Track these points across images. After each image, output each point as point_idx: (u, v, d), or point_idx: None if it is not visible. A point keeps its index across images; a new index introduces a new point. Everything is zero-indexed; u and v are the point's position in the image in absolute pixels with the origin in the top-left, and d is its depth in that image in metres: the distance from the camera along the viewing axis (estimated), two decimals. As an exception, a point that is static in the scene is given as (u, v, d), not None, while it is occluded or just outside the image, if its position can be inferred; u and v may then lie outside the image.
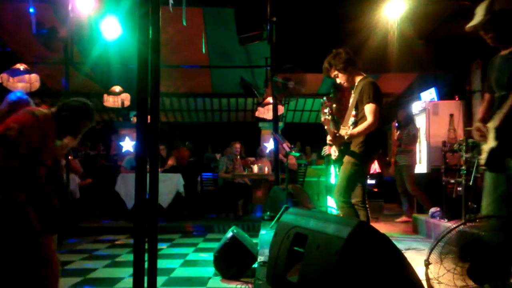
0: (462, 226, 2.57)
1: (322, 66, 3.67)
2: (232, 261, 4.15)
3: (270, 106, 8.17)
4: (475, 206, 4.67)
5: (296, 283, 2.24)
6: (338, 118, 4.18)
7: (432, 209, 5.44)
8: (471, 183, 4.64)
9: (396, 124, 7.31)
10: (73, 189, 7.53)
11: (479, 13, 2.50)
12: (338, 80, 3.64)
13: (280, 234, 2.58)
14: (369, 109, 3.38)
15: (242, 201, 8.38)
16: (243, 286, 3.78)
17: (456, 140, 6.26)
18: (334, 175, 5.60)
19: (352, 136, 3.42)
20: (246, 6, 6.43)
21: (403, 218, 6.77)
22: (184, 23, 4.48)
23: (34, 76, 7.37)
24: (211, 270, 4.45)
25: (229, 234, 4.25)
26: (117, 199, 7.56)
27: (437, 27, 6.36)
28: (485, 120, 2.56)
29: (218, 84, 11.20)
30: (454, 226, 2.58)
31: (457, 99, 7.31)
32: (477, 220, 2.64)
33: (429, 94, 7.83)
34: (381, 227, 5.96)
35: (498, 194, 2.47)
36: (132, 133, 11.49)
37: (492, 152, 2.39)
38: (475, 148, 4.76)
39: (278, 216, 5.38)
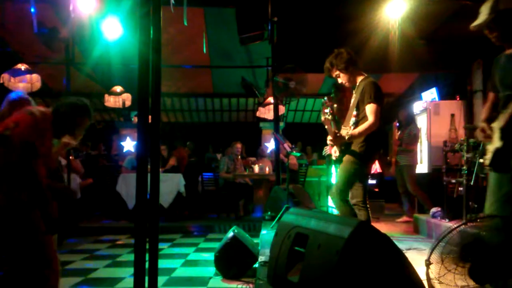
0: (463, 226, 2.56)
1: (323, 66, 3.67)
2: (233, 261, 4.15)
3: (271, 106, 8.17)
4: (476, 206, 4.67)
5: (297, 283, 2.25)
6: (339, 118, 4.18)
7: (433, 209, 5.44)
8: (472, 183, 4.63)
9: (397, 124, 7.31)
10: (74, 189, 7.54)
11: (484, 12, 2.50)
12: (339, 80, 3.64)
13: (281, 234, 2.59)
14: (370, 109, 3.38)
15: (243, 201, 8.38)
16: (244, 286, 3.78)
17: (457, 140, 6.26)
18: (335, 175, 5.60)
19: (353, 136, 3.42)
20: (247, 6, 6.43)
21: (404, 218, 6.77)
22: (185, 23, 4.48)
23: (35, 76, 7.38)
24: (212, 270, 4.46)
25: (230, 234, 4.25)
26: (118, 199, 7.57)
27: (438, 27, 6.36)
28: (490, 120, 2.55)
29: (219, 84, 11.21)
30: (455, 226, 2.58)
31: (458, 99, 7.30)
32: (478, 220, 2.63)
33: (430, 94, 7.82)
34: (382, 227, 5.96)
35: (502, 194, 2.46)
36: (133, 133, 11.51)
37: (497, 152, 2.38)
38: (476, 148, 4.76)
39: (279, 216, 5.38)
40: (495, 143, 2.39)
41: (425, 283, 2.40)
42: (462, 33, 5.63)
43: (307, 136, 12.17)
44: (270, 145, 11.45)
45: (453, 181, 5.23)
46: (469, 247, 2.46)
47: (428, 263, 2.54)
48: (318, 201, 7.98)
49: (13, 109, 2.83)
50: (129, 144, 11.79)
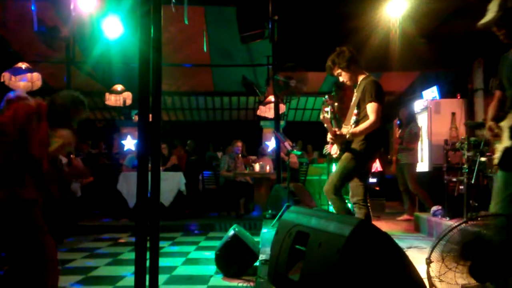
0: (464, 224, 2.56)
1: (323, 64, 3.66)
2: (234, 259, 4.15)
3: (272, 105, 8.18)
4: (476, 204, 4.67)
5: (298, 281, 2.25)
6: (340, 117, 4.18)
7: (434, 208, 5.44)
8: (473, 182, 4.63)
9: (398, 123, 7.31)
10: (75, 188, 7.55)
11: (492, 10, 2.49)
12: (341, 79, 3.63)
13: (281, 232, 2.59)
14: (371, 108, 3.38)
15: (243, 199, 8.39)
16: (244, 284, 3.79)
17: (458, 138, 6.25)
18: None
19: (354, 135, 3.42)
20: (248, 4, 6.44)
21: (405, 217, 6.77)
22: (186, 22, 4.49)
23: (36, 75, 7.39)
24: (212, 268, 4.46)
25: (231, 232, 4.25)
26: (119, 198, 7.58)
27: (439, 25, 6.35)
28: (497, 118, 2.54)
29: (220, 83, 11.21)
30: (456, 224, 2.58)
31: (459, 97, 7.29)
32: (479, 218, 2.63)
33: (431, 93, 7.82)
34: (383, 225, 5.96)
35: (508, 193, 2.45)
36: (134, 131, 11.50)
37: (507, 151, 2.37)
38: (477, 146, 4.75)
39: (279, 214, 5.38)
40: (504, 142, 2.37)
41: (426, 281, 2.40)
42: (463, 31, 5.65)
43: (308, 135, 12.16)
44: (270, 144, 11.45)
45: (454, 179, 5.23)
46: (470, 246, 2.46)
47: (428, 262, 2.54)
48: (319, 199, 7.98)
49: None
50: (129, 143, 11.79)
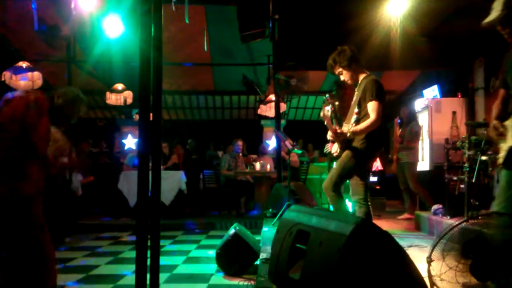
0: (465, 223, 2.57)
1: (324, 63, 3.67)
2: (235, 258, 4.16)
3: (272, 104, 8.17)
4: (477, 203, 4.67)
5: (298, 280, 2.25)
6: (341, 116, 4.18)
7: (435, 206, 5.44)
8: (473, 181, 4.63)
9: (399, 121, 7.31)
10: (75, 187, 7.56)
11: (496, 8, 2.48)
12: (342, 78, 3.64)
13: (282, 231, 2.59)
14: (372, 106, 3.38)
15: (244, 198, 8.39)
16: (245, 283, 3.79)
17: (458, 137, 6.25)
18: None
19: (354, 133, 3.42)
20: (248, 3, 6.43)
21: (405, 215, 6.77)
22: (187, 21, 4.49)
23: (36, 74, 7.38)
24: (213, 267, 4.46)
25: (232, 231, 4.25)
26: (120, 197, 7.58)
27: (440, 24, 6.34)
28: (501, 117, 2.53)
29: (220, 82, 11.20)
30: (457, 223, 2.58)
31: (459, 96, 7.29)
32: (480, 217, 2.64)
33: (432, 92, 7.82)
34: (383, 224, 5.97)
35: None
36: (135, 130, 11.50)
37: (511, 150, 2.36)
38: (477, 145, 4.75)
39: (280, 213, 5.39)
40: (509, 141, 2.36)
41: (427, 280, 2.40)
42: (463, 30, 5.64)
43: (309, 134, 12.15)
44: (271, 143, 11.44)
45: (455, 178, 5.23)
46: (470, 244, 2.47)
47: (429, 260, 2.55)
48: (319, 198, 7.99)
49: None
50: (130, 142, 11.79)
